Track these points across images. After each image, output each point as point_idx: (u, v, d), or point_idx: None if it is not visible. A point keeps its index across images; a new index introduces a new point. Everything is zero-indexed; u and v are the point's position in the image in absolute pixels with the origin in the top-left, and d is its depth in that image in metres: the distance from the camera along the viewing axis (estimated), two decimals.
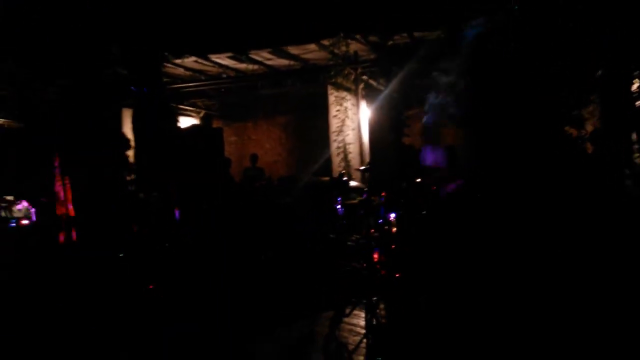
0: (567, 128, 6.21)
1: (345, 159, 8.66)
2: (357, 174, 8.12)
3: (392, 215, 3.60)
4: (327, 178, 4.35)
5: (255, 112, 13.18)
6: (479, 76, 5.68)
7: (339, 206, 4.20)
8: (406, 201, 3.59)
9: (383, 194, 3.66)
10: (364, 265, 4.16)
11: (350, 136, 8.77)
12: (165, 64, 9.64)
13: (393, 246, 3.55)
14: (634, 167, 6.59)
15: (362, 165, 7.86)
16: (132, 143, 7.87)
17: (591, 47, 5.64)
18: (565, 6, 5.35)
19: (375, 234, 3.88)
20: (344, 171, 7.90)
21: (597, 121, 6.95)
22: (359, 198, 4.99)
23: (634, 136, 6.20)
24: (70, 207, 6.33)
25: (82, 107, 7.30)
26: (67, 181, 6.41)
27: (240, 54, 9.05)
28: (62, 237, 6.11)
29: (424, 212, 3.47)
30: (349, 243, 5.84)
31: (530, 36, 5.46)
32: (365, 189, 4.22)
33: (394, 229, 3.61)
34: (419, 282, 3.35)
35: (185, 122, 12.68)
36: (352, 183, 4.03)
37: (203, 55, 9.12)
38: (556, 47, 5.57)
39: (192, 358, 3.31)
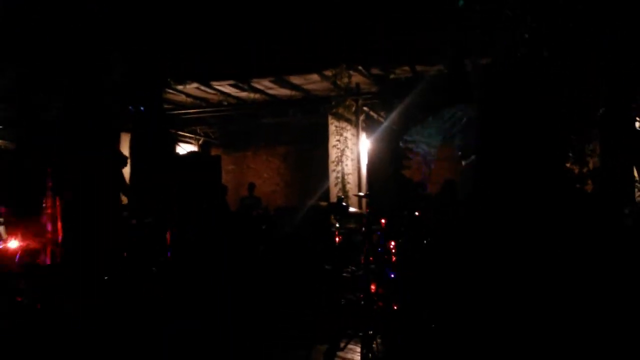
0: (569, 164, 6.18)
1: (344, 189, 8.58)
2: (355, 201, 8.01)
3: (392, 244, 3.49)
4: (325, 203, 4.23)
5: (255, 141, 13.18)
6: (484, 110, 5.68)
7: (336, 233, 4.08)
8: (407, 229, 3.48)
9: (383, 221, 3.56)
10: (360, 296, 4.00)
11: (349, 166, 8.72)
12: (167, 89, 9.66)
13: (392, 275, 3.42)
14: (635, 204, 6.52)
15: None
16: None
17: (594, 76, 5.65)
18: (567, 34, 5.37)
19: (372, 265, 3.75)
20: (343, 196, 7.82)
21: (598, 158, 6.92)
22: (355, 226, 4.89)
23: (636, 173, 6.15)
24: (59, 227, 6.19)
25: (79, 127, 7.25)
26: (57, 202, 6.30)
27: (242, 82, 9.08)
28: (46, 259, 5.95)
29: (427, 240, 3.36)
30: (344, 275, 5.69)
31: (534, 70, 5.48)
32: (364, 214, 4.11)
33: (394, 258, 3.49)
34: (421, 310, 3.21)
35: (183, 149, 12.66)
36: (351, 209, 3.93)
37: (205, 82, 9.15)
38: (558, 81, 5.58)
39: None
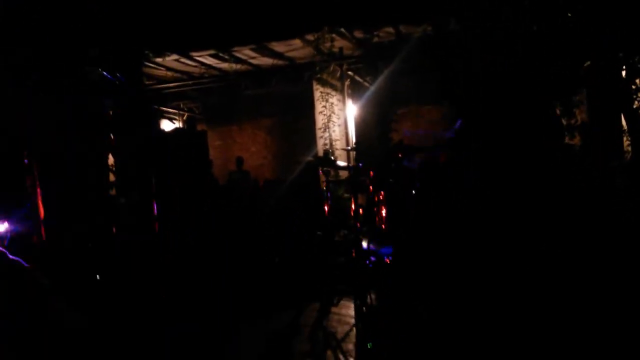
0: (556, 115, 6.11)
1: (331, 146, 8.48)
2: (344, 156, 7.92)
3: (381, 194, 3.41)
4: (312, 158, 4.14)
5: (240, 114, 12.96)
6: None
7: (324, 184, 3.99)
8: (395, 179, 3.41)
9: (371, 173, 3.48)
10: (353, 254, 3.94)
11: (336, 132, 8.60)
12: (146, 63, 9.40)
13: (383, 226, 3.36)
14: (623, 157, 6.51)
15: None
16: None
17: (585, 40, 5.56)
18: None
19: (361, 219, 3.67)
20: (330, 149, 7.74)
21: (586, 109, 6.87)
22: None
23: (624, 122, 6.12)
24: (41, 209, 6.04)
25: (59, 107, 7.04)
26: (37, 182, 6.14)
27: (222, 51, 8.85)
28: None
29: (415, 190, 3.29)
30: (337, 239, 5.65)
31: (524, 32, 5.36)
32: (352, 166, 4.02)
33: (383, 209, 3.42)
34: (412, 261, 3.16)
35: (168, 125, 12.44)
36: (339, 162, 3.85)
37: (185, 52, 8.91)
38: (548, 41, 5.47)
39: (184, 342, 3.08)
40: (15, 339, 2.59)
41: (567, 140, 6.14)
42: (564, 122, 6.27)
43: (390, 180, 3.43)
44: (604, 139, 6.69)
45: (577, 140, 6.42)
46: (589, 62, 6.06)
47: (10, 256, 3.38)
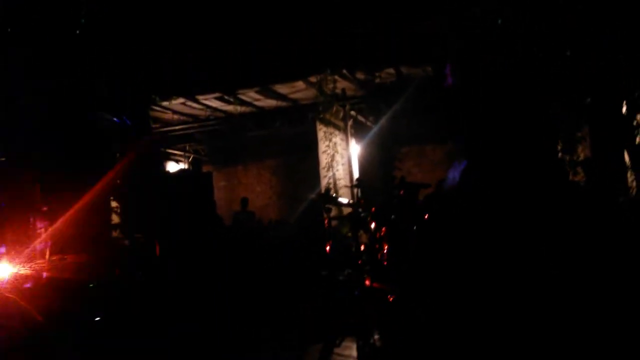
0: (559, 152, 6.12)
1: (335, 186, 8.49)
2: (347, 194, 7.91)
3: (383, 230, 3.39)
4: (315, 196, 4.15)
5: (245, 155, 13.09)
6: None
7: (326, 221, 3.96)
8: (397, 215, 3.39)
9: (373, 209, 3.47)
10: (356, 293, 3.89)
11: (340, 171, 8.64)
12: (152, 107, 9.60)
13: (385, 262, 3.32)
14: (628, 193, 6.46)
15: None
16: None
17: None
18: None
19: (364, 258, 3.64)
20: (330, 186, 7.72)
21: (589, 145, 6.88)
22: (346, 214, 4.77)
23: (627, 158, 6.11)
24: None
25: (66, 142, 7.15)
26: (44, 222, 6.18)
27: (228, 94, 9.04)
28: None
29: (417, 225, 3.26)
30: (341, 278, 5.58)
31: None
32: (355, 203, 4.01)
33: (385, 246, 3.39)
34: (416, 297, 3.09)
35: (173, 167, 12.57)
36: (341, 199, 3.84)
37: (191, 96, 9.10)
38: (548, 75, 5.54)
39: None
40: None
41: (570, 176, 6.13)
42: (567, 158, 6.28)
43: (393, 216, 3.42)
44: (608, 175, 6.67)
45: (580, 177, 6.40)
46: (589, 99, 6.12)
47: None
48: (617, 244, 4.45)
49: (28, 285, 5.60)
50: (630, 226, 5.24)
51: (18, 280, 5.88)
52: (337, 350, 3.50)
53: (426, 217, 3.43)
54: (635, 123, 6.10)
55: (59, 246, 6.46)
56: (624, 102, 5.98)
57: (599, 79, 5.76)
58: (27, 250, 6.34)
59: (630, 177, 6.17)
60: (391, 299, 3.43)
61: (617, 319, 3.24)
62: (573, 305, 3.31)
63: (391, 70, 8.45)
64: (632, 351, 2.81)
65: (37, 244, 6.48)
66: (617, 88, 5.98)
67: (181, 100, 9.27)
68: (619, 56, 5.56)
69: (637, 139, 5.98)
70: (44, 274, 5.96)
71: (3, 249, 6.59)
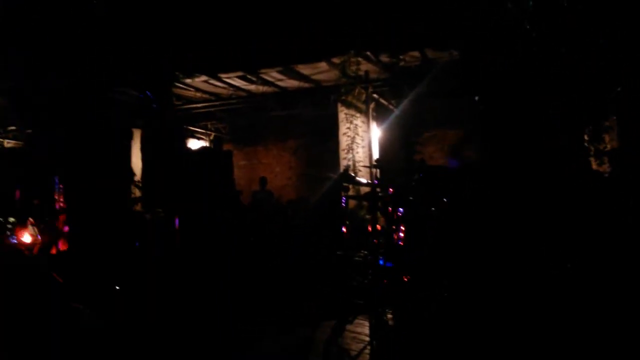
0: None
1: (354, 167, 8.48)
2: (366, 174, 7.89)
3: (400, 211, 3.38)
4: (335, 175, 4.15)
5: (266, 135, 13.14)
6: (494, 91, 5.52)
7: (344, 201, 3.97)
8: (415, 197, 3.37)
9: (390, 190, 3.46)
10: (370, 272, 3.90)
11: (360, 154, 8.60)
12: (175, 84, 9.66)
13: (401, 243, 3.32)
14: None
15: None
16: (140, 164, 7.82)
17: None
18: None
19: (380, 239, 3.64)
20: (349, 165, 7.70)
21: (616, 135, 6.72)
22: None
23: None
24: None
25: (87, 124, 7.28)
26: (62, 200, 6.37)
27: (250, 73, 9.04)
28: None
29: (435, 207, 3.24)
30: (357, 258, 5.61)
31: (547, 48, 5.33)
32: (373, 183, 4.00)
33: (402, 227, 3.38)
34: (431, 279, 3.10)
35: (195, 144, 12.68)
36: (360, 179, 3.84)
37: (213, 74, 9.12)
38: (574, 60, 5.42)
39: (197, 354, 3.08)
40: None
41: (595, 166, 6.01)
42: (592, 147, 6.15)
43: (410, 198, 3.40)
44: (634, 165, 6.51)
45: (605, 167, 6.26)
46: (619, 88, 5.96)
47: (38, 263, 3.48)
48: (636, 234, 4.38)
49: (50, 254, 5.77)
50: None
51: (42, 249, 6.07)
52: (349, 327, 3.54)
53: (445, 200, 3.41)
54: None
55: (81, 219, 6.62)
56: None
57: (629, 69, 5.60)
58: (50, 223, 6.52)
59: None
60: (406, 279, 3.44)
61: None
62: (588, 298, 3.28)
63: (416, 54, 8.32)
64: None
65: (59, 217, 6.66)
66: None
67: (204, 78, 9.30)
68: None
69: None
70: (65, 245, 6.14)
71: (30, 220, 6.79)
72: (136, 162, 10.18)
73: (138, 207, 8.59)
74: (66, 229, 6.36)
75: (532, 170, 4.70)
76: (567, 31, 5.33)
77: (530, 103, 5.21)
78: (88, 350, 2.57)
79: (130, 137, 10.70)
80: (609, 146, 6.49)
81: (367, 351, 3.05)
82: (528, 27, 5.47)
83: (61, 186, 7.07)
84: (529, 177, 4.56)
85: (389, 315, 3.53)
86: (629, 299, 3.33)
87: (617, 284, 3.39)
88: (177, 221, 6.28)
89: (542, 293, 3.19)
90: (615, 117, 6.48)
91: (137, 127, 10.86)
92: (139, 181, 8.93)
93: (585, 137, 5.96)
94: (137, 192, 8.97)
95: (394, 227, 3.43)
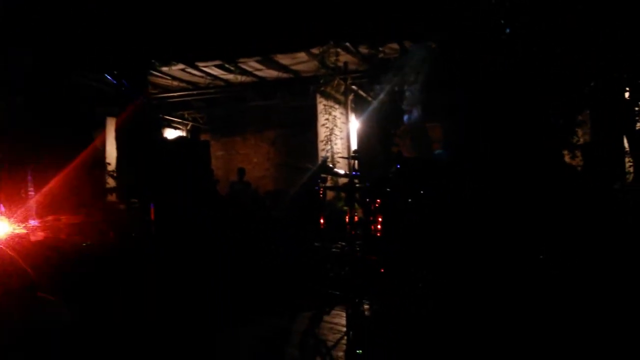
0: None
1: (332, 159, 8.48)
2: (344, 166, 7.89)
3: (378, 202, 3.39)
4: (312, 166, 4.14)
5: (244, 126, 13.01)
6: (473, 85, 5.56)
7: (320, 191, 3.96)
8: (393, 189, 3.39)
9: (368, 182, 3.46)
10: (347, 263, 3.91)
11: (338, 145, 8.60)
12: (152, 72, 9.49)
13: (379, 234, 3.33)
14: (625, 179, 6.46)
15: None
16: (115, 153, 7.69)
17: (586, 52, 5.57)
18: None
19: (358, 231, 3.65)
20: (327, 156, 7.71)
21: (589, 129, 6.86)
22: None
23: (626, 144, 6.10)
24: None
25: (60, 114, 7.13)
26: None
27: (228, 62, 8.92)
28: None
29: (412, 199, 3.26)
30: (334, 250, 5.62)
31: (524, 44, 5.39)
32: (351, 174, 3.99)
33: (380, 218, 3.39)
34: (408, 269, 3.12)
35: (172, 133, 12.50)
36: (339, 170, 3.83)
37: (190, 62, 8.98)
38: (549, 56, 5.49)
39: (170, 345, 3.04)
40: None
41: (568, 159, 6.12)
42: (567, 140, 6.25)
43: (388, 189, 3.41)
44: (606, 159, 6.66)
45: (577, 161, 6.39)
46: (593, 83, 6.07)
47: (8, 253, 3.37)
48: (610, 228, 4.49)
49: (23, 243, 5.62)
50: (623, 211, 5.27)
51: (14, 238, 5.90)
52: (326, 318, 3.55)
53: (421, 192, 3.43)
54: (637, 109, 6.07)
55: (53, 208, 6.49)
56: (627, 88, 5.94)
57: (603, 65, 5.71)
58: (21, 211, 6.36)
59: (628, 162, 6.18)
60: (382, 270, 3.46)
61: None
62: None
63: (395, 46, 8.33)
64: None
65: (31, 205, 6.51)
66: (621, 73, 5.93)
67: (181, 66, 9.15)
68: (623, 43, 5.51)
69: (638, 125, 5.96)
70: (40, 234, 6.00)
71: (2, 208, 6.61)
72: (110, 151, 10.01)
73: (112, 198, 8.45)
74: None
75: (505, 163, 4.76)
76: (543, 27, 5.40)
77: (506, 96, 5.27)
78: (53, 342, 2.52)
79: (103, 126, 10.53)
80: (581, 140, 6.62)
81: (343, 341, 3.05)
82: (503, 22, 5.54)
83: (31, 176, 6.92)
84: (503, 170, 4.62)
85: (366, 306, 3.55)
86: (604, 287, 3.42)
87: (591, 273, 3.47)
88: (152, 211, 6.19)
89: (515, 283, 3.24)
90: (588, 112, 6.61)
91: (112, 115, 10.66)
92: (113, 171, 8.78)
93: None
94: (112, 182, 8.82)
95: (371, 218, 3.44)
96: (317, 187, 3.53)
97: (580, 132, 6.44)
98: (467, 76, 5.79)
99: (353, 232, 3.46)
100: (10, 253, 3.15)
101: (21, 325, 2.55)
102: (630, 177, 6.19)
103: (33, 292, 2.82)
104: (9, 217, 6.44)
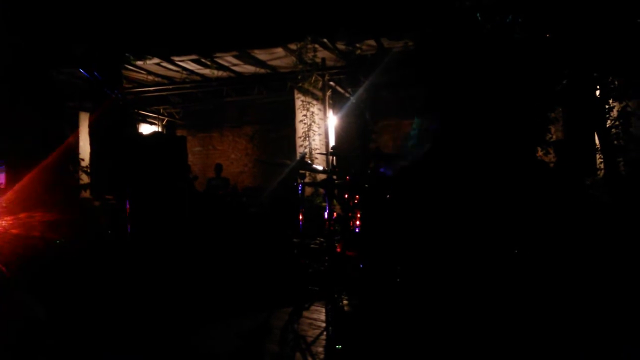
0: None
1: (311, 162, 8.48)
2: (322, 162, 7.93)
3: (357, 198, 3.41)
4: (289, 161, 4.12)
5: (221, 121, 12.92)
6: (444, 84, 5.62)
7: (299, 186, 3.95)
8: (371, 184, 3.41)
9: (347, 178, 3.48)
10: (326, 258, 3.93)
11: (316, 141, 8.60)
12: (126, 66, 9.32)
13: (357, 230, 3.35)
14: (596, 174, 6.65)
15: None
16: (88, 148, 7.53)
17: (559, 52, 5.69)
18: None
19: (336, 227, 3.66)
20: (305, 152, 7.71)
21: (561, 127, 7.01)
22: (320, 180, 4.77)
23: (597, 141, 6.26)
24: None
25: (31, 109, 6.97)
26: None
27: (204, 57, 8.82)
28: None
29: (390, 194, 3.29)
30: (312, 245, 5.64)
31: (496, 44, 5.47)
32: (329, 170, 4.01)
33: (358, 214, 3.42)
34: (385, 264, 3.16)
35: (147, 129, 12.32)
36: (317, 166, 3.83)
37: (166, 57, 8.85)
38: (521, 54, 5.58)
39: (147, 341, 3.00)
40: None
41: (540, 155, 6.26)
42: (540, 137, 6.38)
43: (366, 185, 3.44)
44: (578, 156, 6.82)
45: (550, 157, 6.54)
46: (565, 81, 6.20)
47: None
48: (581, 222, 4.61)
49: None
50: (593, 206, 5.42)
51: None
52: (305, 313, 3.56)
53: (398, 187, 3.46)
54: (607, 107, 6.24)
55: (26, 204, 6.34)
56: (598, 86, 6.09)
57: (575, 63, 5.84)
58: None
59: (598, 159, 6.34)
60: (361, 265, 3.48)
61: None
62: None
63: (372, 42, 8.36)
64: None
65: (1, 202, 6.35)
66: (592, 72, 6.08)
67: (156, 60, 9.01)
68: (595, 41, 5.65)
69: (608, 123, 6.12)
70: (12, 231, 5.86)
71: None
72: (84, 147, 9.80)
73: (86, 194, 8.30)
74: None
75: (480, 158, 4.83)
76: (518, 24, 5.50)
77: (481, 94, 5.34)
78: (27, 340, 2.48)
79: (76, 121, 10.31)
80: (554, 137, 6.78)
81: (323, 337, 3.06)
82: (480, 18, 5.61)
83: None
84: (478, 165, 4.69)
85: (345, 302, 3.57)
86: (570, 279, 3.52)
87: (561, 267, 3.56)
88: (127, 208, 6.10)
89: (489, 278, 3.30)
90: (560, 109, 6.76)
91: (85, 110, 10.45)
92: (86, 167, 8.61)
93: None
94: (86, 178, 8.65)
95: (350, 214, 3.46)
96: (295, 183, 3.52)
97: (552, 129, 6.59)
98: (443, 72, 5.85)
99: (332, 228, 3.47)
100: None
101: None
102: (601, 173, 6.36)
103: (6, 289, 2.77)
104: None
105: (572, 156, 6.95)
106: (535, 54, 5.57)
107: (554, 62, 5.86)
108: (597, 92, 6.12)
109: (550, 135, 6.39)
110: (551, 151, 6.50)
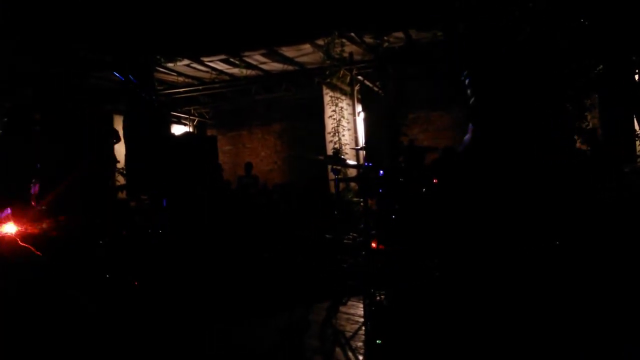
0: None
1: (340, 149, 8.48)
2: (352, 157, 7.92)
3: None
4: (322, 157, 4.13)
5: (250, 119, 13.04)
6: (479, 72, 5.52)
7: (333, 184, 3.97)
8: (405, 178, 3.40)
9: (381, 172, 3.47)
10: (362, 254, 3.93)
11: (346, 137, 8.59)
12: (157, 68, 9.50)
13: (392, 225, 3.34)
14: (635, 162, 6.43)
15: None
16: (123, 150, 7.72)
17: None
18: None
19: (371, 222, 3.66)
20: (337, 148, 7.71)
21: (598, 113, 6.82)
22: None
23: (636, 125, 6.07)
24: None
25: (67, 111, 7.17)
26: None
27: (233, 56, 8.92)
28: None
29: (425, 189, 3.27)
30: (346, 241, 5.64)
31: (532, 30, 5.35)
32: (361, 164, 4.01)
33: (393, 208, 3.40)
34: (422, 258, 3.14)
35: (178, 129, 12.54)
36: (349, 161, 3.84)
37: (196, 57, 8.98)
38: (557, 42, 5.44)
39: (187, 340, 3.08)
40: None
41: (578, 144, 6.10)
42: (576, 125, 6.22)
43: (401, 179, 3.43)
44: (616, 143, 6.63)
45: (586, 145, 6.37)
46: (601, 66, 6.02)
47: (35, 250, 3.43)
48: (619, 212, 4.47)
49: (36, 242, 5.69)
50: (633, 194, 5.25)
51: (27, 238, 5.95)
52: (343, 308, 3.58)
53: (435, 181, 3.44)
54: None
55: (64, 208, 6.54)
56: (637, 70, 5.89)
57: (612, 47, 5.66)
58: (31, 212, 6.42)
59: (638, 146, 6.15)
60: (397, 260, 3.47)
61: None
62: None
63: (400, 34, 8.29)
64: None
65: (40, 206, 6.56)
66: (630, 56, 5.88)
67: (186, 61, 9.16)
68: (633, 24, 5.46)
69: None
70: (50, 234, 6.05)
71: (8, 211, 6.66)
72: (119, 149, 10.05)
73: (123, 195, 8.51)
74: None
75: (516, 151, 4.75)
76: (554, 11, 5.36)
77: (515, 84, 5.24)
78: (84, 335, 2.58)
79: (111, 123, 10.56)
80: (590, 124, 6.60)
81: (361, 332, 3.08)
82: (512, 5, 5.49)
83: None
84: (513, 157, 4.61)
85: (382, 296, 3.57)
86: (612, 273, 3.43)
87: (603, 261, 3.47)
88: (162, 208, 6.23)
89: (529, 273, 3.24)
90: (597, 96, 6.58)
91: (118, 112, 10.70)
92: (122, 168, 8.82)
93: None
94: (121, 180, 8.87)
95: (385, 208, 3.45)
96: (335, 179, 3.52)
97: (589, 117, 6.42)
98: (475, 65, 5.75)
99: (367, 223, 3.48)
100: (23, 244, 3.21)
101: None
102: None
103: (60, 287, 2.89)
104: (17, 219, 6.50)
105: (608, 143, 6.75)
106: (570, 40, 5.42)
107: (589, 48, 5.69)
108: (636, 77, 5.93)
109: (586, 123, 6.23)
110: (589, 139, 6.34)
